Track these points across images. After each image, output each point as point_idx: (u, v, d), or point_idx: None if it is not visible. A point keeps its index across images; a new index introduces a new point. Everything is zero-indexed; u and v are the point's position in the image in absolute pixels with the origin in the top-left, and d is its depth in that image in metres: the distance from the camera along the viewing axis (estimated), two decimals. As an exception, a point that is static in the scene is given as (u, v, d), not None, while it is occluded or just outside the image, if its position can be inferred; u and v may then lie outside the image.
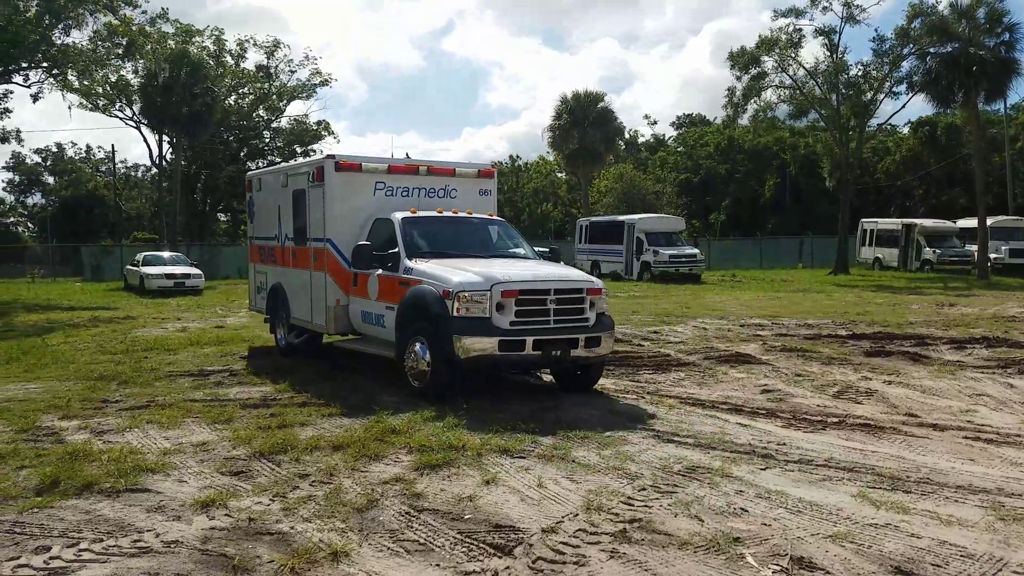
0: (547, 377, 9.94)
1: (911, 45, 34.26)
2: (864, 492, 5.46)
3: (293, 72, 52.12)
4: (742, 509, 5.15)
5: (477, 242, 10.33)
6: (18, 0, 27.39)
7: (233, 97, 51.09)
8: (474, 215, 10.74)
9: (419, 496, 5.44)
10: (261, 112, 53.94)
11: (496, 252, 10.29)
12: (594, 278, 9.47)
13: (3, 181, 68.23)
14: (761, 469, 6.03)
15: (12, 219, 66.95)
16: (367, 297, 10.10)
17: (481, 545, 4.60)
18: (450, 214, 10.49)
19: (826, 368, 10.55)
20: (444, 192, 11.17)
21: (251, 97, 52.62)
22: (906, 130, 55.78)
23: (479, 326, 8.26)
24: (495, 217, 11.08)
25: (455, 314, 8.30)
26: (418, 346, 8.67)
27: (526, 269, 9.34)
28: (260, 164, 53.68)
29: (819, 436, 7.08)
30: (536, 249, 11.02)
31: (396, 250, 9.61)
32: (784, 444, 6.75)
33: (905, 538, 4.66)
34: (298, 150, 55.19)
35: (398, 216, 10.01)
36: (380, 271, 9.75)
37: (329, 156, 10.98)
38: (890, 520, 4.94)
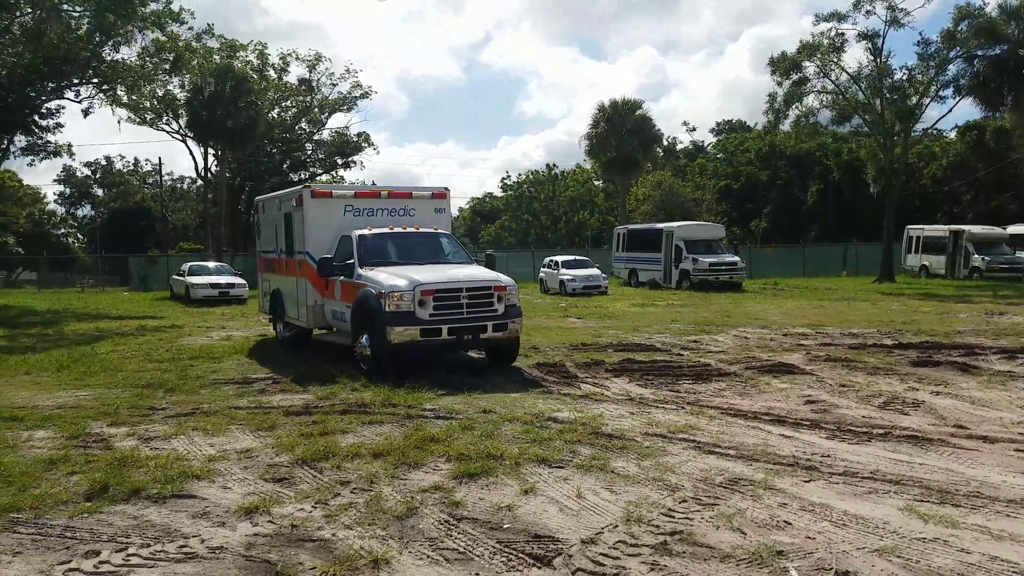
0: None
1: (958, 48, 33.49)
2: (911, 506, 5.34)
3: (334, 85, 52.87)
4: (785, 522, 5.07)
5: (421, 252, 12.37)
6: (70, 18, 28.27)
7: (276, 110, 51.95)
8: (420, 230, 12.94)
9: (458, 504, 5.46)
10: (303, 125, 54.76)
11: (435, 260, 12.28)
12: (503, 277, 11.53)
13: (54, 194, 70.34)
14: (805, 481, 5.93)
15: (63, 230, 68.81)
16: (334, 298, 12.48)
17: (520, 555, 4.60)
18: (400, 230, 12.76)
19: (872, 378, 10.34)
20: (403, 211, 13.45)
21: (293, 110, 53.46)
22: (953, 134, 54.50)
23: (405, 318, 10.48)
24: (439, 231, 13.18)
25: (387, 309, 10.51)
26: (364, 336, 11.00)
27: (447, 273, 11.40)
28: (303, 176, 54.50)
29: (865, 448, 6.93)
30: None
31: (352, 261, 11.85)
32: (828, 456, 6.63)
33: (955, 553, 4.54)
34: (339, 162, 55.89)
35: (355, 233, 12.33)
36: (342, 277, 12.00)
37: (306, 185, 13.68)
38: (939, 534, 4.82)
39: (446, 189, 14.17)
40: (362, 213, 13.15)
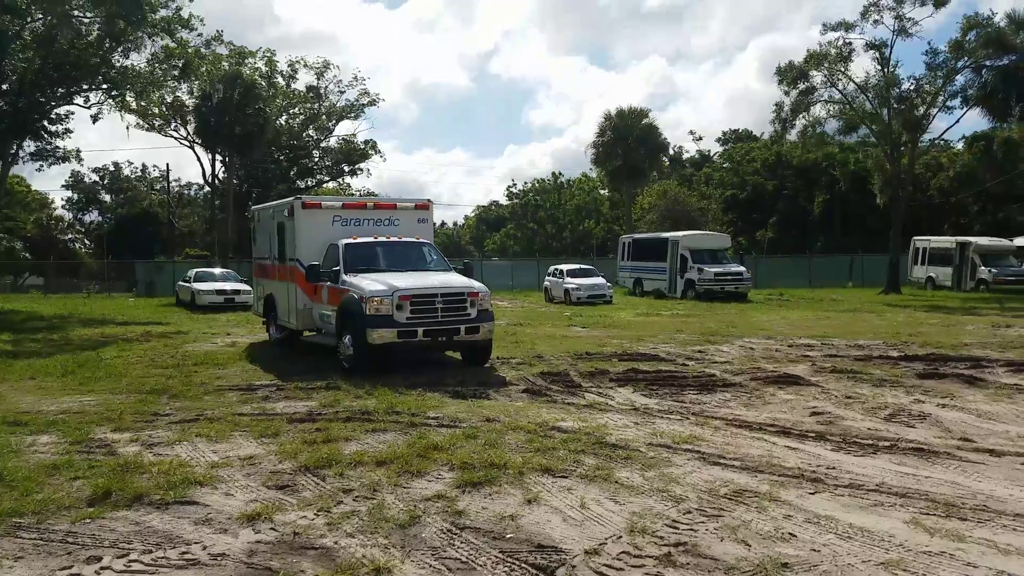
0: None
1: (966, 58, 33.48)
2: (917, 518, 5.30)
3: (342, 93, 53.07)
4: (790, 534, 5.03)
5: (402, 260, 13.04)
6: (80, 24, 28.44)
7: (284, 117, 52.14)
8: (402, 239, 13.60)
9: (461, 514, 5.44)
10: (311, 132, 54.93)
11: (415, 267, 12.94)
12: (476, 284, 12.35)
13: (62, 199, 70.37)
14: (810, 493, 5.89)
15: (70, 236, 68.95)
16: (322, 302, 13.16)
17: (523, 565, 4.57)
18: (383, 239, 13.42)
19: (877, 390, 10.29)
20: (388, 221, 14.14)
21: (301, 117, 53.65)
22: (960, 145, 54.40)
23: (384, 321, 11.31)
24: (421, 240, 13.84)
25: (368, 313, 11.33)
26: (347, 337, 11.75)
27: (425, 280, 12.13)
28: (309, 183, 54.62)
29: (870, 460, 6.89)
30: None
31: (338, 267, 12.54)
32: (834, 468, 6.59)
33: (961, 567, 4.50)
34: (346, 169, 56.04)
35: (341, 242, 13.04)
36: (329, 283, 12.70)
37: (297, 197, 14.40)
38: (945, 548, 4.78)
39: (429, 201, 14.95)
40: (349, 223, 13.86)
